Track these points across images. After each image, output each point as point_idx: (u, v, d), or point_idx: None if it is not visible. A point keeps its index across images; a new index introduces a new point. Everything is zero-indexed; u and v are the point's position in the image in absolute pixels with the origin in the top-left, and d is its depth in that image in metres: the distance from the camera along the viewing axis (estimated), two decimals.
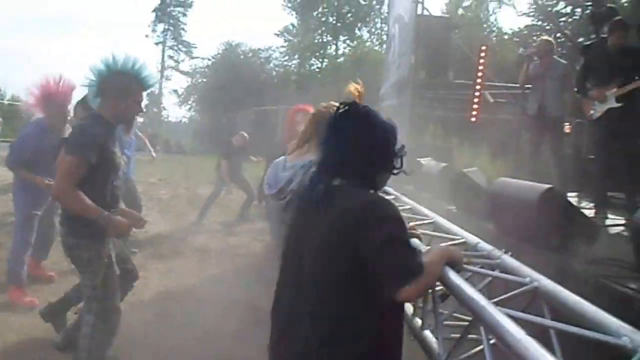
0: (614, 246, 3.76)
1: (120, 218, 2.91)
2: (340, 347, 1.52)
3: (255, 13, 71.43)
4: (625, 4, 21.38)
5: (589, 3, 8.37)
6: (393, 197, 3.28)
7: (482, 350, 1.59)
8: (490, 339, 1.53)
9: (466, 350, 1.84)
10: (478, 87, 8.13)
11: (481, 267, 2.05)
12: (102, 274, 2.87)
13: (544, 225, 3.48)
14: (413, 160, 6.53)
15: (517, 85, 8.60)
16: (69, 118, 4.44)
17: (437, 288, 1.87)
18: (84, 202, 2.69)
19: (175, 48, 41.65)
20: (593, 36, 7.80)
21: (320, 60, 38.98)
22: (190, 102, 40.39)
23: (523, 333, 1.35)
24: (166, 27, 41.34)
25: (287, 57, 39.74)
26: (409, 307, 2.29)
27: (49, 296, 4.06)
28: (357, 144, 1.63)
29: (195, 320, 4.16)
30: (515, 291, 1.78)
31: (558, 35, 15.51)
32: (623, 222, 4.81)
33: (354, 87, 2.08)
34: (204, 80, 37.70)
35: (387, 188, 2.75)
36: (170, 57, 41.65)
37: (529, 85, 6.69)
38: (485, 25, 33.12)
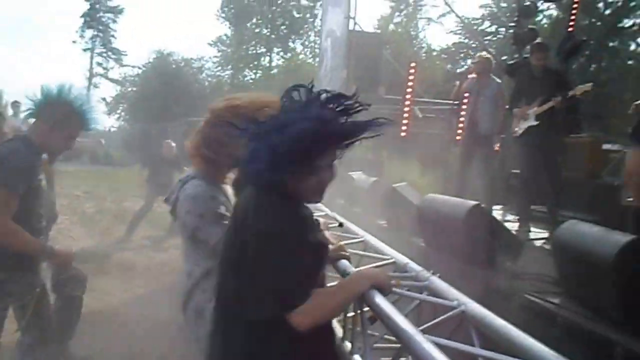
0: (537, 261, 3.90)
1: (62, 248, 2.78)
2: None
3: (189, 21, 70.20)
4: (545, 26, 22.73)
5: (513, 24, 8.80)
6: (324, 213, 3.23)
7: None
8: None
9: None
10: (408, 102, 8.27)
11: (409, 290, 2.04)
12: (32, 306, 2.68)
13: (470, 241, 3.56)
14: (344, 173, 6.55)
15: (446, 101, 8.87)
16: None
17: (364, 309, 1.83)
18: (25, 237, 2.51)
19: (105, 55, 40.23)
20: (516, 56, 8.22)
21: (254, 71, 38.91)
22: (119, 112, 39.11)
23: None
24: (95, 33, 39.88)
25: (220, 68, 39.44)
26: (339, 330, 2.24)
27: None
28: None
29: (118, 343, 3.99)
30: (443, 316, 1.77)
31: (483, 53, 16.16)
32: (546, 236, 5.05)
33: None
34: (134, 89, 36.52)
35: (318, 204, 2.68)
36: (99, 64, 40.26)
37: (458, 102, 6.92)
38: (415, 42, 34.29)
